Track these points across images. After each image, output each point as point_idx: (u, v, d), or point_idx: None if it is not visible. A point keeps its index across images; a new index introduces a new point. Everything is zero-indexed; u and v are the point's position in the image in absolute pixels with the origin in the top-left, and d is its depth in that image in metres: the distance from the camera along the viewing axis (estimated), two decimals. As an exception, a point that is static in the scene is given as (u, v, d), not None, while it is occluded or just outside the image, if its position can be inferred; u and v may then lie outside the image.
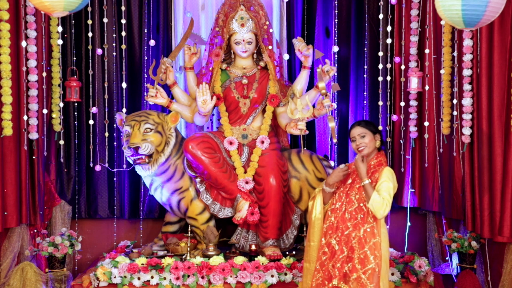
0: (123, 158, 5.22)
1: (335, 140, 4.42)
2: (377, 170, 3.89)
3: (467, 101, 4.57)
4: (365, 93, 5.29)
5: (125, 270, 4.45)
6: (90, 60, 5.14)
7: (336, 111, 5.32)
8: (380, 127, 5.02)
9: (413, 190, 5.22)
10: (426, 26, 4.92)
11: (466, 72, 4.56)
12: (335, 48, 5.15)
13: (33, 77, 4.77)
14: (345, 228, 3.81)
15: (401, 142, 5.18)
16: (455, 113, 4.69)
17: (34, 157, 4.85)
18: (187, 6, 5.31)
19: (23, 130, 4.74)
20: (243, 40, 4.86)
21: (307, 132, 4.68)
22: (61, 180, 5.27)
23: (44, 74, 4.83)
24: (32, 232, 4.92)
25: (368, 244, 3.73)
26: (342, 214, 3.85)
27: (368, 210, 3.78)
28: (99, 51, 5.11)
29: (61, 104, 5.02)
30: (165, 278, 4.45)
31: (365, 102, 5.29)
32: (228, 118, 4.90)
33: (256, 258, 4.59)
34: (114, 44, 5.15)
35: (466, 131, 4.58)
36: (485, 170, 4.48)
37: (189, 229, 4.88)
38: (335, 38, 5.24)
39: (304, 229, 4.84)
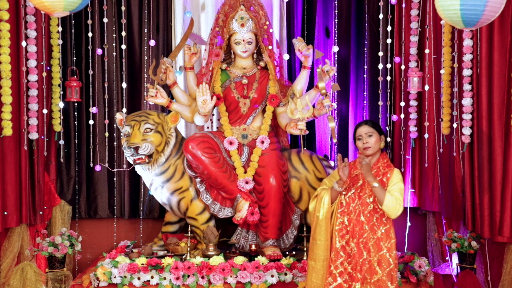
0: (123, 158, 5.22)
1: (335, 140, 4.42)
2: (387, 171, 3.88)
3: (467, 101, 4.57)
4: (365, 93, 5.29)
5: (125, 270, 4.45)
6: (90, 60, 5.15)
7: (336, 111, 5.32)
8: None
9: (413, 190, 5.23)
10: (426, 26, 4.92)
11: (466, 72, 4.55)
12: (335, 48, 5.15)
13: (33, 77, 4.77)
14: (362, 231, 3.80)
15: (401, 142, 5.18)
16: (455, 113, 4.69)
17: (34, 157, 4.85)
18: (187, 6, 5.31)
19: (23, 130, 4.75)
20: (243, 40, 4.86)
21: (307, 132, 4.68)
22: (61, 180, 5.27)
23: (44, 74, 4.83)
24: (32, 232, 4.92)
25: (385, 245, 3.75)
26: (357, 216, 3.82)
27: (383, 212, 3.79)
28: (99, 51, 5.12)
29: (61, 104, 5.02)
30: (165, 278, 4.45)
31: (365, 102, 5.30)
32: (228, 118, 4.90)
33: (256, 258, 4.59)
34: (114, 44, 5.15)
35: (466, 131, 4.58)
36: (485, 170, 4.48)
37: (189, 229, 4.88)
38: (335, 38, 5.24)
39: (304, 229, 4.84)
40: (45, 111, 4.85)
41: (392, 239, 3.79)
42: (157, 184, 4.90)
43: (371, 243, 3.76)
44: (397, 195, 3.77)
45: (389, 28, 5.04)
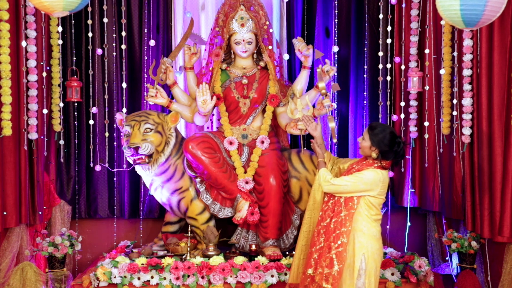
0: (123, 158, 5.21)
1: (335, 140, 4.42)
2: (361, 168, 3.89)
3: (467, 101, 4.57)
4: (365, 93, 5.29)
5: (125, 270, 4.45)
6: (90, 60, 5.14)
7: (336, 111, 5.32)
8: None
9: (413, 190, 5.22)
10: (426, 26, 4.92)
11: (466, 72, 4.55)
12: (335, 48, 5.14)
13: (33, 77, 4.76)
14: (324, 220, 3.88)
15: (401, 142, 5.18)
16: (455, 113, 4.69)
17: (33, 157, 4.84)
18: (187, 6, 5.31)
19: (23, 130, 4.74)
20: (243, 40, 4.86)
21: (307, 132, 4.68)
22: (61, 180, 5.27)
23: (44, 74, 4.83)
24: (31, 232, 4.92)
25: (334, 233, 3.78)
26: (328, 207, 3.90)
27: (343, 203, 3.82)
28: (99, 51, 5.11)
29: (61, 104, 5.01)
30: (165, 278, 4.45)
31: (365, 102, 5.29)
32: (228, 118, 4.90)
33: (256, 258, 4.59)
34: (114, 44, 5.14)
35: (466, 131, 4.58)
36: (485, 170, 4.48)
37: (189, 229, 4.88)
38: (335, 38, 5.24)
39: (304, 229, 4.85)
40: (45, 111, 4.85)
41: (345, 228, 3.78)
42: (157, 184, 4.90)
43: (331, 231, 3.82)
44: (341, 177, 3.89)
45: (389, 28, 5.04)
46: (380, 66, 5.10)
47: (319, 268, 3.80)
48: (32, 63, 4.75)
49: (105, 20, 5.07)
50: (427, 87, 4.95)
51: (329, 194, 3.97)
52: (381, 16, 5.12)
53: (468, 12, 3.32)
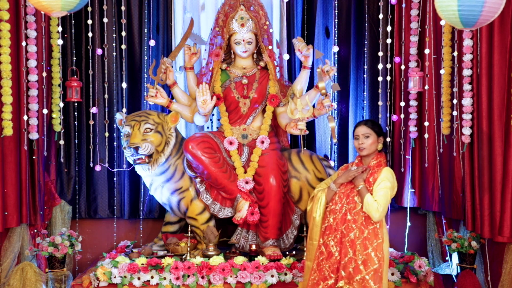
0: (123, 158, 5.22)
1: (335, 140, 4.42)
2: (376, 171, 3.87)
3: (467, 101, 4.57)
4: (365, 93, 5.29)
5: (125, 270, 4.45)
6: (90, 60, 5.14)
7: (336, 111, 5.32)
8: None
9: (413, 190, 5.23)
10: (426, 26, 4.92)
11: (466, 72, 4.55)
12: (335, 48, 5.15)
13: (33, 77, 4.77)
14: (345, 229, 3.79)
15: (401, 142, 5.18)
16: (455, 113, 4.69)
17: (34, 157, 4.85)
18: (187, 6, 5.32)
19: (23, 130, 4.75)
20: (243, 40, 4.86)
21: (307, 132, 4.68)
22: (61, 180, 5.27)
23: (44, 74, 4.83)
24: (32, 232, 4.92)
25: (372, 245, 3.73)
26: (343, 215, 3.83)
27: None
28: (99, 51, 5.12)
29: (61, 104, 5.02)
30: (165, 278, 4.45)
31: (365, 102, 5.30)
32: (228, 118, 4.90)
33: (256, 258, 4.59)
34: (114, 44, 5.15)
35: (466, 131, 4.58)
36: (485, 170, 4.48)
37: (189, 229, 4.88)
38: (335, 38, 5.24)
39: (304, 229, 4.84)
40: (45, 111, 4.85)
41: (380, 239, 3.74)
42: (157, 184, 4.90)
43: (358, 242, 3.75)
44: (379, 197, 3.75)
45: (389, 28, 5.04)
46: (380, 66, 5.11)
47: (353, 281, 3.73)
48: (32, 63, 4.75)
49: (105, 20, 5.08)
50: (427, 87, 4.95)
51: (341, 202, 3.87)
52: (381, 16, 5.12)
53: (465, 13, 3.31)
